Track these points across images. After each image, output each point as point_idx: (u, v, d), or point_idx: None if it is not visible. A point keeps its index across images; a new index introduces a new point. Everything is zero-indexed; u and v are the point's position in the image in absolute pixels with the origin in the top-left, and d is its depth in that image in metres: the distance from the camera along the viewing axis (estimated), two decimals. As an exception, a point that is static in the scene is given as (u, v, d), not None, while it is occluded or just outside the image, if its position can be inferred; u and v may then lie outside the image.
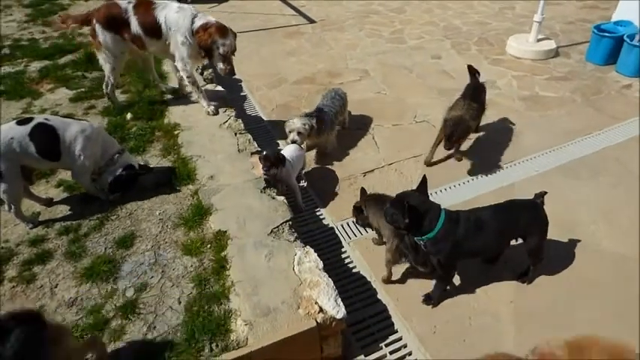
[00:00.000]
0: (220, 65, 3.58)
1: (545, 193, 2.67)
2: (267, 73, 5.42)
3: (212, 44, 3.47)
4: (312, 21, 7.11)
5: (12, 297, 2.28)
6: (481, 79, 4.07)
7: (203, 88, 3.97)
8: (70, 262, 2.49)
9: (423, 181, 2.49)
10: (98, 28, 3.58)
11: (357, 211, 2.96)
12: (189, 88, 3.93)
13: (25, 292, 2.32)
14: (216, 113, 3.82)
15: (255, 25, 6.91)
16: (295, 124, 3.55)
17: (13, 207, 2.67)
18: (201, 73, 4.61)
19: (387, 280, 2.78)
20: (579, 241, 3.03)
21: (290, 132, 3.60)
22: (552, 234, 2.85)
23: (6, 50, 4.97)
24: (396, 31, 6.70)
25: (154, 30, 3.56)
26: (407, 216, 2.25)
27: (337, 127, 4.00)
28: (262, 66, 5.59)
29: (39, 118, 2.68)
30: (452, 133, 3.46)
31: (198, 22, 3.49)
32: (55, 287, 2.35)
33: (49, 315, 2.19)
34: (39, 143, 2.60)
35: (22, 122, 2.63)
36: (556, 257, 2.90)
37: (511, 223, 2.57)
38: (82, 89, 4.28)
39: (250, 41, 6.32)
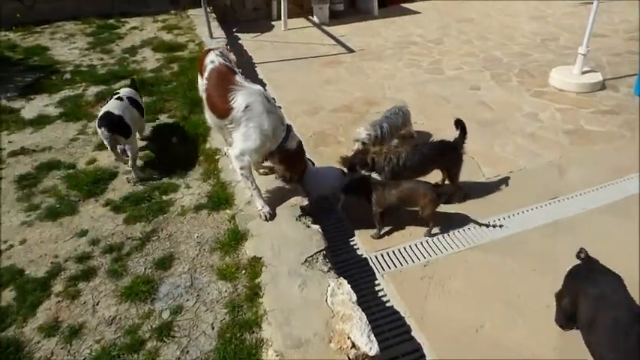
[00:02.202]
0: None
1: (586, 254, 2.50)
2: (305, 100, 5.54)
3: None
4: (351, 50, 7.26)
5: (57, 312, 2.38)
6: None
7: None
8: (111, 280, 2.59)
9: None
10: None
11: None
12: (242, 183, 3.18)
13: (70, 307, 2.42)
14: (270, 219, 3.05)
15: (296, 54, 7.13)
16: (361, 134, 3.81)
17: (134, 161, 3.44)
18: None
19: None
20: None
21: (355, 141, 3.88)
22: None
23: (67, 75, 5.37)
24: (435, 62, 6.72)
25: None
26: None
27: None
28: (301, 94, 5.72)
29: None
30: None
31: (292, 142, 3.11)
32: (97, 304, 2.44)
33: (90, 332, 2.27)
34: (137, 108, 3.73)
35: (119, 98, 3.61)
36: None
37: None
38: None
39: (290, 69, 6.52)
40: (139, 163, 3.67)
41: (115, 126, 3.31)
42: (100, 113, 3.40)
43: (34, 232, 2.98)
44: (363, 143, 3.79)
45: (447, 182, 3.74)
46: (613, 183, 3.88)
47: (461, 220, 3.50)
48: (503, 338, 2.58)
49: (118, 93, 3.74)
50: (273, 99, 3.19)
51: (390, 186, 3.26)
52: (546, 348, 2.52)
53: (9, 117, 4.44)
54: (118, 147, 3.49)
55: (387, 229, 3.41)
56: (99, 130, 3.31)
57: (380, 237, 3.35)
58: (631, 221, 3.41)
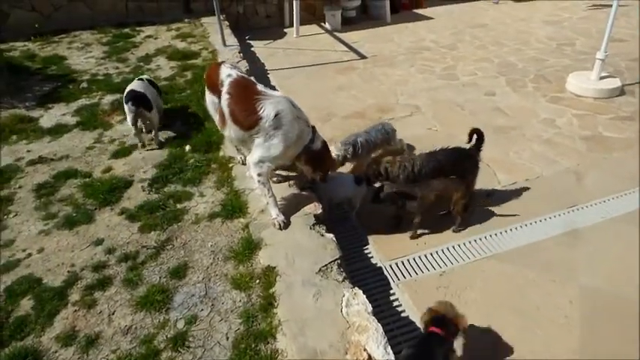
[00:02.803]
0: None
1: None
2: (318, 107, 5.54)
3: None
4: (363, 57, 7.26)
5: (73, 321, 2.40)
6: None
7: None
8: (127, 289, 2.60)
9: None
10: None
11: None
12: (258, 191, 3.17)
13: (86, 316, 2.44)
14: (284, 228, 3.03)
15: (308, 61, 7.14)
16: (333, 151, 3.78)
17: (156, 129, 4.11)
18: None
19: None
20: (654, 298, 2.77)
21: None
22: (623, 289, 2.64)
23: (84, 84, 5.45)
24: (448, 67, 6.67)
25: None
26: None
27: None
28: (314, 100, 5.72)
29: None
30: None
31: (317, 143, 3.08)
32: (113, 314, 2.45)
33: (107, 341, 2.28)
34: (156, 88, 4.46)
35: (140, 79, 4.34)
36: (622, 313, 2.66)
37: None
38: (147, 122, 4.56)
39: (303, 76, 6.54)
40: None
41: (140, 101, 3.93)
42: (126, 91, 4.04)
43: (52, 240, 3.01)
44: (344, 157, 3.79)
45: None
46: (633, 191, 3.79)
47: (476, 229, 3.45)
48: (521, 350, 2.53)
49: (139, 77, 4.44)
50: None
51: (423, 187, 3.28)
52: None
53: (28, 126, 4.52)
54: (139, 123, 4.03)
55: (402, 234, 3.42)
56: (126, 106, 3.90)
57: (418, 236, 3.42)
58: (652, 231, 3.33)
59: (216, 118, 3.38)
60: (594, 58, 5.46)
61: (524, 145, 4.52)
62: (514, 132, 4.77)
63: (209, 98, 3.36)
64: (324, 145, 3.17)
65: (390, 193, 3.29)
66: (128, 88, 4.07)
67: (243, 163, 3.63)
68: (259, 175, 2.97)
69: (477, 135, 3.49)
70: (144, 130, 4.21)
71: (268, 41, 8.21)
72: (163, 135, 4.29)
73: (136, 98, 3.92)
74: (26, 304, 2.53)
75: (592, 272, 3.02)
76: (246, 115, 2.89)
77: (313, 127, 3.08)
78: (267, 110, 2.82)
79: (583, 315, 2.70)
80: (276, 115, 2.82)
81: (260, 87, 3.00)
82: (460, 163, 3.46)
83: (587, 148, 4.43)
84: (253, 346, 2.24)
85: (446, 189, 3.32)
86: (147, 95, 4.02)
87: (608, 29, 5.14)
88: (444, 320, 2.25)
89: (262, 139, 2.90)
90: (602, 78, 5.52)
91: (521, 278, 3.00)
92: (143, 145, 4.11)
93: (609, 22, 5.11)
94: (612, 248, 3.22)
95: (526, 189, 3.85)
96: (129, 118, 3.93)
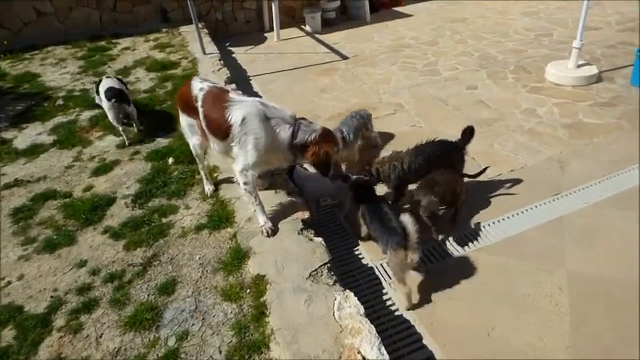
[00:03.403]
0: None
1: None
2: (301, 110, 5.48)
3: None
4: (345, 57, 7.26)
5: (59, 347, 2.33)
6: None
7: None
8: (114, 310, 2.54)
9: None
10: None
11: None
12: (245, 198, 3.14)
13: (72, 342, 2.37)
14: (272, 235, 3.00)
15: (290, 65, 7.12)
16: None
17: (136, 118, 4.39)
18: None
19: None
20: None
21: None
22: (610, 272, 2.66)
23: (60, 101, 5.34)
24: (430, 63, 6.71)
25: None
26: None
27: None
28: (297, 103, 5.70)
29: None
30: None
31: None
32: (101, 337, 2.39)
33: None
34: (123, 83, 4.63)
35: (108, 77, 4.52)
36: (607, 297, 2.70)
37: None
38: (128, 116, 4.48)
39: (285, 80, 6.51)
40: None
41: (121, 96, 4.22)
42: (103, 90, 4.22)
43: (32, 266, 2.92)
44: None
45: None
46: (615, 175, 3.84)
47: (464, 223, 3.46)
48: (515, 340, 2.54)
49: (106, 76, 4.64)
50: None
51: (432, 184, 3.25)
52: (560, 347, 2.48)
53: (1, 148, 4.39)
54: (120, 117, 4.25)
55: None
56: (108, 103, 4.13)
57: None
58: (634, 213, 3.37)
59: (193, 140, 3.30)
60: (571, 47, 5.53)
61: (507, 136, 4.55)
62: (497, 124, 4.80)
63: (185, 121, 3.24)
64: (321, 135, 2.84)
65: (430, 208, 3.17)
66: (105, 87, 4.25)
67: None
68: (245, 183, 2.93)
69: (470, 132, 3.56)
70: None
71: (249, 47, 8.17)
72: (145, 150, 4.22)
73: (118, 95, 4.17)
74: (7, 335, 2.45)
75: (578, 257, 3.05)
76: (219, 125, 2.85)
77: (300, 120, 2.88)
78: (234, 116, 2.77)
79: (572, 301, 2.73)
80: (242, 120, 2.76)
81: (232, 94, 2.93)
82: (448, 155, 3.48)
83: (569, 136, 4.48)
84: (247, 357, 2.21)
85: (452, 180, 3.29)
86: (124, 91, 4.34)
87: (583, 18, 5.21)
88: None
89: (238, 146, 2.85)
90: (579, 66, 5.59)
91: (511, 268, 3.02)
92: (129, 143, 4.30)
93: (583, 11, 5.18)
94: (597, 233, 3.26)
95: (511, 180, 3.88)
96: (112, 115, 4.20)
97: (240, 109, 2.79)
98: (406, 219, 2.63)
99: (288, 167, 3.57)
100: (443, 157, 3.45)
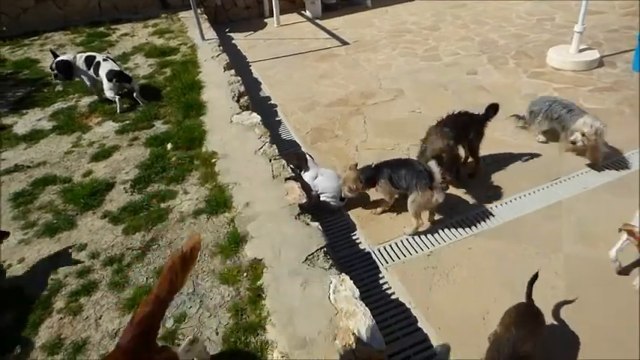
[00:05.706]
0: None
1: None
2: (301, 96, 5.50)
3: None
4: (345, 43, 7.19)
5: (59, 329, 2.37)
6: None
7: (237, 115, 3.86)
8: (113, 292, 2.58)
9: None
10: None
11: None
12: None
13: (72, 323, 2.41)
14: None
15: (290, 51, 7.06)
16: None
17: (138, 92, 4.82)
18: (237, 100, 4.74)
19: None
20: (638, 265, 2.81)
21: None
22: (604, 255, 2.67)
23: (59, 87, 5.34)
24: (430, 49, 6.64)
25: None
26: None
27: None
28: (296, 90, 5.67)
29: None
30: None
31: None
32: (100, 318, 2.43)
33: (94, 346, 2.26)
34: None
35: (105, 59, 4.83)
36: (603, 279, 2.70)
37: None
38: (127, 122, 4.50)
39: (285, 66, 6.46)
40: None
41: (122, 76, 4.69)
42: (105, 72, 4.63)
43: (32, 249, 2.96)
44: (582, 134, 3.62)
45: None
46: (613, 160, 3.82)
47: (463, 208, 3.46)
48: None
49: (96, 57, 4.83)
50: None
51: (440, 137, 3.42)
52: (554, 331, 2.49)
53: (1, 134, 4.42)
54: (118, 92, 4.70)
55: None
56: (109, 84, 4.59)
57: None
58: (632, 199, 3.36)
59: None
60: (573, 32, 5.46)
61: (507, 121, 4.52)
62: (497, 109, 4.76)
63: None
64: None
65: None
66: (106, 69, 4.65)
67: None
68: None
69: (495, 109, 3.66)
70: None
71: (249, 33, 8.10)
72: (144, 135, 4.23)
73: (120, 75, 4.67)
74: (9, 317, 2.49)
75: (576, 242, 3.06)
76: None
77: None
78: None
79: (569, 284, 2.75)
80: None
81: None
82: (473, 123, 3.66)
83: (569, 121, 4.43)
84: (243, 339, 2.25)
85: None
86: (123, 71, 4.82)
87: (585, 2, 5.13)
88: None
89: None
90: (581, 51, 5.53)
91: (508, 253, 3.04)
92: (121, 111, 4.70)
93: (586, -6, 5.10)
94: (594, 218, 3.26)
95: (511, 164, 3.87)
96: (112, 93, 4.67)
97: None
98: (433, 164, 3.03)
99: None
100: (469, 126, 3.64)
